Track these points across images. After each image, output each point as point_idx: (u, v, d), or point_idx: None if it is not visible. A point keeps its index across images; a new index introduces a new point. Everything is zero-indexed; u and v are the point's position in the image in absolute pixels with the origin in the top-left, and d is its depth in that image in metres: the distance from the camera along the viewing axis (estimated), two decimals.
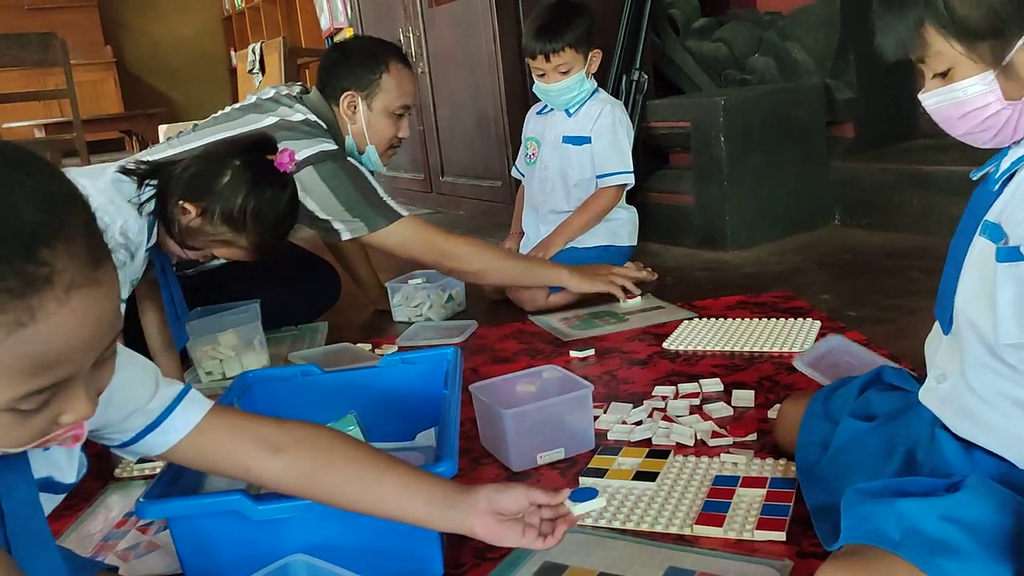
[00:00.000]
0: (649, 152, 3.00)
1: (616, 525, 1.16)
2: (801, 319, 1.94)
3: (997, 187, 0.96)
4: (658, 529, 1.14)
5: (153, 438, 0.94)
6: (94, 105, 7.13)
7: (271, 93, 2.21)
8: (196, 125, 2.16)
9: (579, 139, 2.44)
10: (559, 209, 2.48)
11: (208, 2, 8.46)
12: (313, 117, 2.12)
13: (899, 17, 0.96)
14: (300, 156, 1.93)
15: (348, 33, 5.27)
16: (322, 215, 2.03)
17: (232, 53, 8.18)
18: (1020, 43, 0.90)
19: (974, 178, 1.01)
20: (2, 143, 0.70)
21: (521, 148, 2.64)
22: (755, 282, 2.39)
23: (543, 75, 2.38)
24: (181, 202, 1.63)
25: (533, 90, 2.50)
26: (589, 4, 2.54)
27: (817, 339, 1.80)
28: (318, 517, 1.02)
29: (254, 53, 5.44)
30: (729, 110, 2.74)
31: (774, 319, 1.96)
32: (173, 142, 2.08)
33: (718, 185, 2.79)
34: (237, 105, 2.22)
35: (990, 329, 0.93)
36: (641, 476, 1.28)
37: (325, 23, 5.84)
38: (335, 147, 2.07)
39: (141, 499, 1.01)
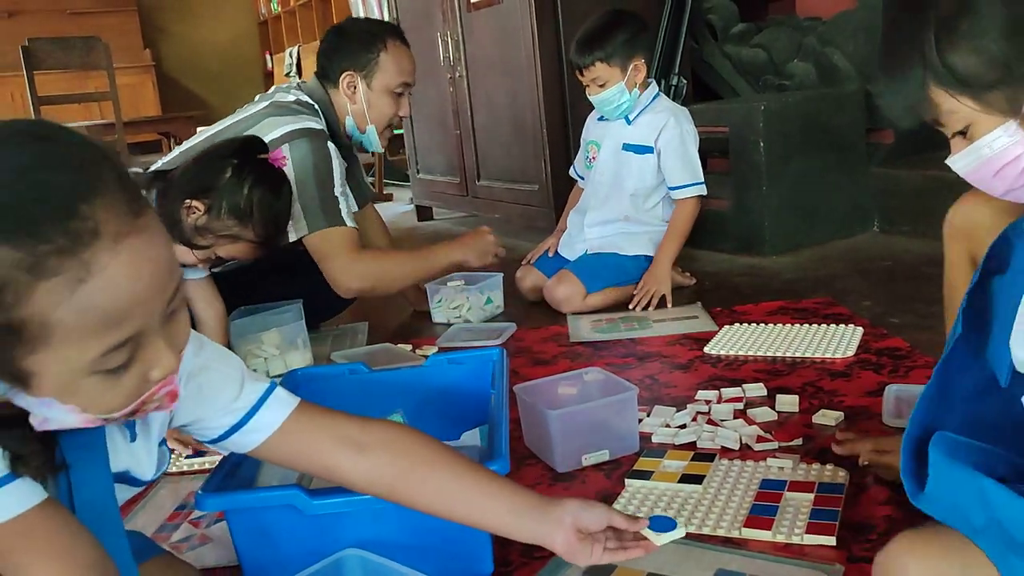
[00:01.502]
0: None
1: None
2: (843, 325, 1.93)
3: None
4: (706, 531, 1.15)
5: (239, 437, 0.94)
6: (132, 108, 7.23)
7: (272, 88, 2.29)
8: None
9: (641, 148, 2.43)
10: (607, 219, 2.47)
11: (244, 7, 8.55)
12: (305, 98, 2.18)
13: (901, 81, 0.91)
14: (280, 132, 2.00)
15: None
16: None
17: (268, 57, 8.26)
18: None
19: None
20: (21, 120, 0.72)
21: (580, 151, 2.64)
22: (795, 288, 2.38)
23: (587, 87, 2.41)
24: (188, 201, 1.70)
25: None
26: (627, 9, 2.54)
27: (859, 345, 1.80)
28: (372, 513, 1.04)
29: (291, 56, 5.50)
30: (769, 116, 2.73)
31: (815, 325, 1.96)
32: (184, 143, 2.16)
33: (757, 190, 2.78)
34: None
35: None
36: (687, 479, 1.28)
37: None
38: (318, 127, 2.11)
39: (200, 492, 1.02)
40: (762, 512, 1.17)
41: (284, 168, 1.84)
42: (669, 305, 2.29)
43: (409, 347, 2.12)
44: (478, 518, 0.98)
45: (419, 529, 1.05)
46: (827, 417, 1.46)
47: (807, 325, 1.97)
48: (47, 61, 4.10)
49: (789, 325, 1.98)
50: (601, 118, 2.53)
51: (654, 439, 1.46)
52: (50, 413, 0.72)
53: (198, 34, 8.30)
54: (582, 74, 2.38)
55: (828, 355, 1.77)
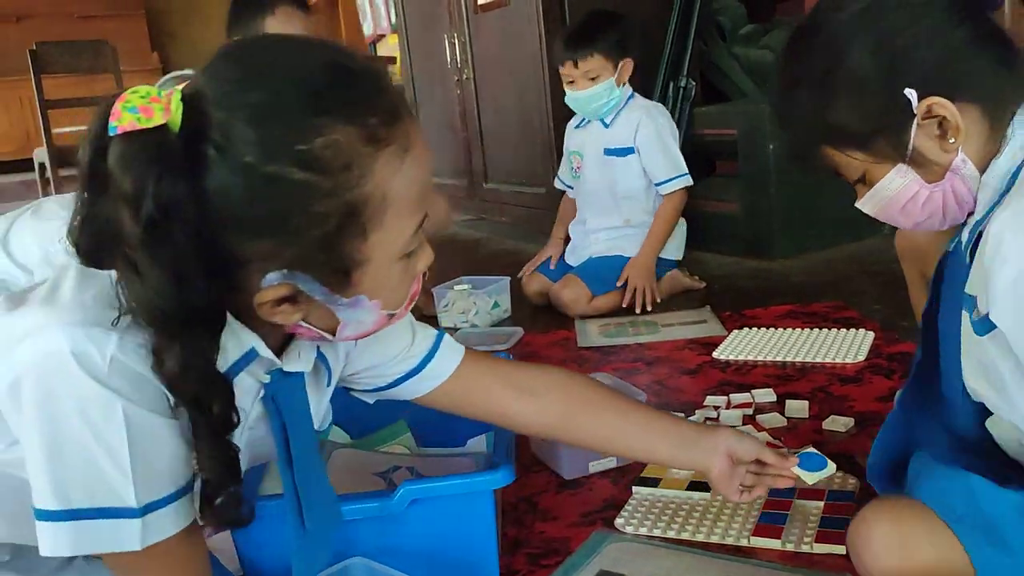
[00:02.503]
0: (696, 160, 2.97)
1: (671, 535, 1.15)
2: (854, 330, 1.91)
3: (968, 259, 0.91)
4: (714, 540, 1.13)
5: (414, 384, 0.98)
6: None
7: None
8: None
9: (622, 150, 2.43)
10: (609, 225, 2.47)
11: None
12: None
13: (794, 141, 0.97)
14: None
15: (391, 40, 5.31)
16: None
17: None
18: (914, 130, 0.87)
19: (949, 249, 0.98)
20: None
21: (564, 160, 2.63)
22: (804, 291, 2.36)
23: (572, 82, 2.37)
24: None
25: (565, 101, 2.47)
26: (634, 12, 2.54)
27: (870, 349, 1.78)
28: (377, 521, 1.03)
29: None
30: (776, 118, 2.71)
31: (826, 329, 1.94)
32: None
33: (765, 193, 2.76)
34: None
35: (1001, 405, 0.89)
36: (695, 486, 1.26)
37: (368, 29, 5.90)
38: None
39: None
40: (771, 520, 1.15)
41: None
42: (658, 299, 2.30)
43: None
44: (641, 451, 1.08)
45: (425, 537, 1.04)
46: (837, 423, 1.44)
47: (817, 329, 1.95)
48: (55, 65, 4.11)
49: (799, 329, 1.97)
50: (579, 124, 2.53)
51: None
52: (353, 315, 0.76)
53: (206, 37, 8.28)
54: (576, 66, 2.33)
55: (839, 360, 1.75)
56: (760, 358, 1.82)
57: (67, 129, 5.81)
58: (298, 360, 0.83)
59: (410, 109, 0.74)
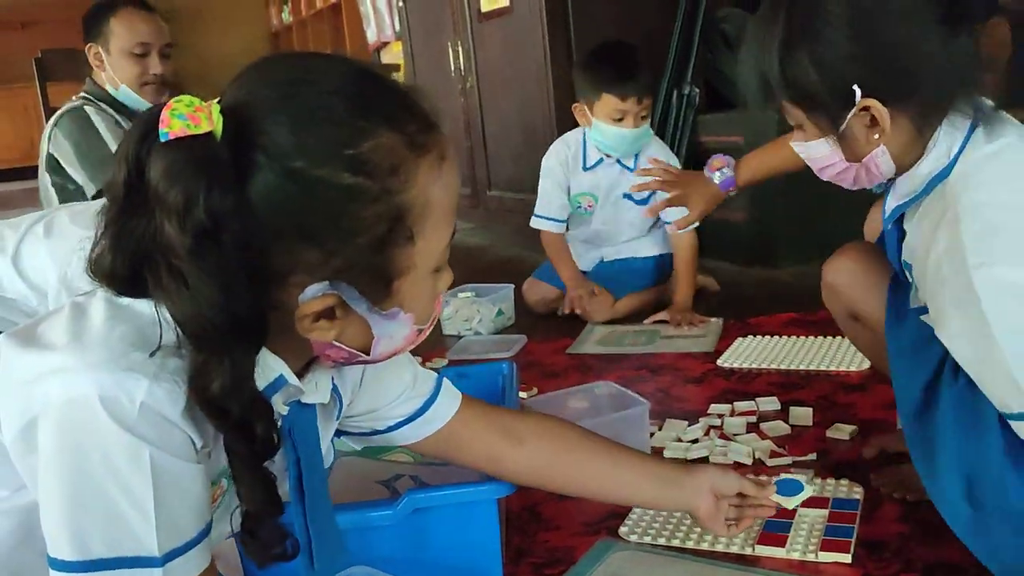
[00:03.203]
0: (700, 167, 2.97)
1: (676, 544, 1.15)
2: None
3: (890, 226, 1.08)
4: (719, 548, 1.13)
5: (414, 427, 0.96)
6: None
7: None
8: None
9: (643, 201, 2.34)
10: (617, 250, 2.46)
11: (256, 18, 8.59)
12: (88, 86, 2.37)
13: (753, 74, 1.02)
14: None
15: (395, 47, 5.32)
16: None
17: None
18: (851, 114, 0.96)
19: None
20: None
21: (560, 199, 2.45)
22: (809, 300, 2.34)
23: (621, 119, 2.23)
24: None
25: (591, 137, 2.34)
26: (639, 19, 2.52)
27: None
28: (380, 530, 1.02)
29: None
30: (783, 124, 2.70)
31: (830, 337, 1.93)
32: None
33: (770, 201, 2.76)
34: None
35: None
36: None
37: (372, 37, 5.90)
38: (71, 105, 2.33)
39: None
40: (775, 528, 1.14)
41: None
42: (699, 321, 2.20)
43: (419, 360, 2.10)
44: (628, 495, 1.06)
45: (428, 546, 1.04)
46: (841, 431, 1.44)
47: (821, 337, 1.94)
48: (59, 72, 4.11)
49: (803, 337, 1.96)
50: (588, 167, 2.40)
51: (666, 453, 1.44)
52: (387, 329, 0.75)
53: (209, 45, 8.33)
54: (640, 102, 2.21)
55: (843, 368, 1.75)
56: (764, 366, 1.82)
57: None
58: (316, 391, 0.81)
59: (439, 120, 0.74)
